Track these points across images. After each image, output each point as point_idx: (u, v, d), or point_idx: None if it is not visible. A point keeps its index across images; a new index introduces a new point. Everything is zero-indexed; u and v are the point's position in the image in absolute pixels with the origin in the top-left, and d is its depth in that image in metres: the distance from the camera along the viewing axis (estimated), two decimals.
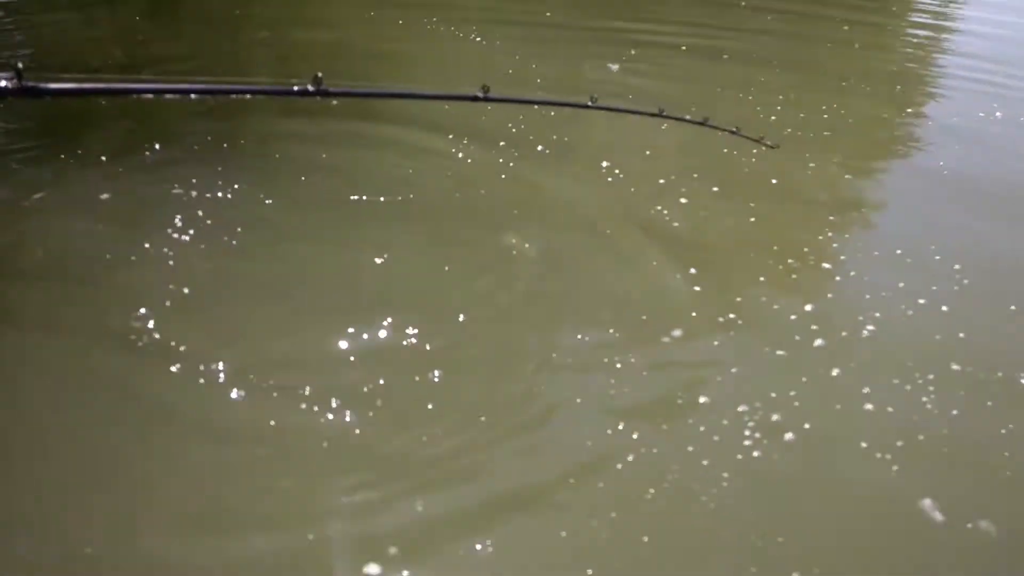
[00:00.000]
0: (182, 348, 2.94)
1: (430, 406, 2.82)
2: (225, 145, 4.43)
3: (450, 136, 4.58)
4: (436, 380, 2.91)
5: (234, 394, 2.78)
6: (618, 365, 3.06)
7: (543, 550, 2.41)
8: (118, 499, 2.49)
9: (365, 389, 2.85)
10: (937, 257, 3.74)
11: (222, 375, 2.85)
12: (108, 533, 2.38)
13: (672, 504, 2.54)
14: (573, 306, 3.40)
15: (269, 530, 2.42)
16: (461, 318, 3.20)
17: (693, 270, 3.55)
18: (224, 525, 2.44)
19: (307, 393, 2.81)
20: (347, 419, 2.75)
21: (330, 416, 2.75)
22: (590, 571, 2.33)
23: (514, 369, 3.08)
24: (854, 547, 2.48)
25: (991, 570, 2.43)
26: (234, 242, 3.54)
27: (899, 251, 3.77)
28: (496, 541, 2.40)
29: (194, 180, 3.93)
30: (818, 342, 3.18)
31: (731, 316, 3.30)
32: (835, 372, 3.05)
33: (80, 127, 4.45)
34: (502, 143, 4.54)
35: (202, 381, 2.83)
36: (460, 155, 4.45)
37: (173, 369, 2.87)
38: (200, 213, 3.68)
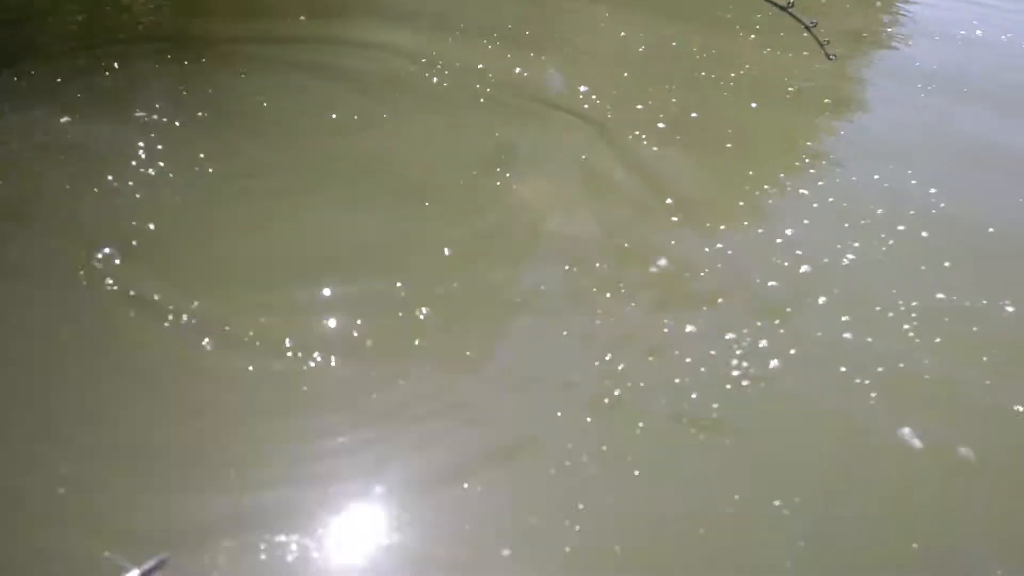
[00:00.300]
0: (151, 294, 2.85)
1: (416, 343, 2.80)
2: (186, 63, 4.23)
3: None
4: (421, 317, 2.88)
5: (206, 341, 2.72)
6: (607, 295, 3.04)
7: (533, 487, 2.43)
8: (83, 449, 2.45)
9: (347, 331, 2.81)
10: (913, 182, 3.72)
11: (194, 320, 2.78)
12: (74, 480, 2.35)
13: (661, 437, 2.57)
14: (555, 240, 3.36)
15: (245, 480, 2.41)
16: (446, 251, 3.15)
17: (669, 200, 3.50)
18: (200, 477, 2.42)
19: (284, 341, 2.75)
20: (329, 362, 2.72)
21: (311, 363, 2.71)
22: (581, 506, 2.36)
23: (497, 302, 3.06)
24: (835, 476, 2.52)
25: (969, 497, 2.49)
26: (201, 173, 3.41)
27: (876, 176, 3.73)
28: (485, 481, 2.42)
29: (157, 105, 3.75)
30: (804, 268, 3.18)
31: (717, 246, 3.29)
32: (822, 300, 3.06)
33: (29, 48, 4.22)
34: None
35: (172, 326, 2.76)
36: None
37: (137, 314, 2.79)
38: (163, 144, 3.53)
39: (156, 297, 2.84)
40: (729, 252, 3.26)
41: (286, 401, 2.60)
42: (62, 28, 4.43)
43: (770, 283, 3.12)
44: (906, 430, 2.61)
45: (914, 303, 3.04)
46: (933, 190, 3.63)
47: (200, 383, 2.63)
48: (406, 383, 2.68)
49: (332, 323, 2.84)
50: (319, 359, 2.71)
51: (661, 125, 3.96)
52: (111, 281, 2.89)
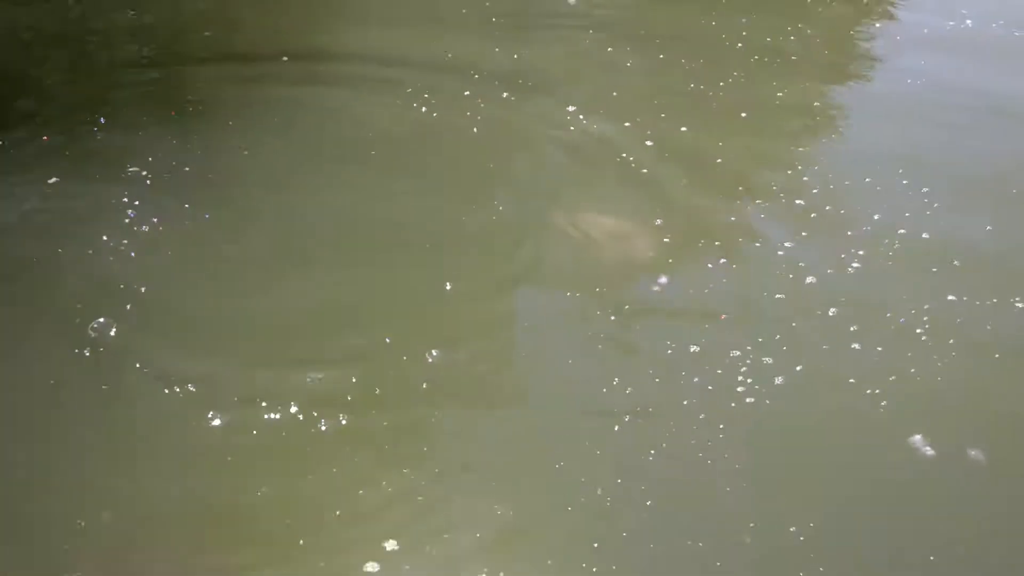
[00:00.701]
0: (148, 362, 2.79)
1: (424, 386, 2.78)
2: (173, 113, 4.23)
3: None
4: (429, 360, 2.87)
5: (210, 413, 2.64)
6: (612, 317, 3.02)
7: (548, 525, 2.41)
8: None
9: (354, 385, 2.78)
10: (905, 182, 3.67)
11: (192, 387, 2.71)
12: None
13: (672, 464, 2.54)
14: (551, 265, 3.34)
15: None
16: (448, 286, 3.14)
17: (659, 221, 3.47)
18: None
19: (288, 409, 2.67)
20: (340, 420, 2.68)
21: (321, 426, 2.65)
22: (596, 544, 2.33)
23: (499, 330, 3.05)
24: (848, 494, 2.49)
25: (982, 503, 2.45)
26: (192, 228, 3.39)
27: (868, 179, 3.69)
28: (501, 515, 2.40)
29: (150, 159, 3.74)
30: (808, 280, 3.15)
31: (720, 261, 3.25)
32: (829, 311, 3.02)
33: (14, 101, 4.23)
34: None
35: (172, 396, 2.68)
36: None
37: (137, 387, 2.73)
38: (153, 200, 3.52)
39: (153, 366, 2.78)
40: (733, 266, 3.23)
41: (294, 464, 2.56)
42: (48, 87, 4.44)
43: (776, 296, 3.09)
44: (917, 438, 2.58)
45: (925, 306, 3.01)
46: (925, 189, 3.61)
47: (207, 453, 2.56)
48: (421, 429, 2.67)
49: (336, 379, 2.76)
50: (331, 419, 2.64)
51: (649, 143, 3.94)
52: (108, 352, 2.83)
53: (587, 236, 3.45)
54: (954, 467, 2.52)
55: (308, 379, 2.76)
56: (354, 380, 2.76)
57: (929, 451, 2.55)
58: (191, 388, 2.70)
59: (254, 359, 2.86)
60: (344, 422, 2.63)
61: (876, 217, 3.43)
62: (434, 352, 2.85)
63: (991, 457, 2.53)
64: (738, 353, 2.87)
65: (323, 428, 2.61)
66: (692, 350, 2.90)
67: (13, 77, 4.51)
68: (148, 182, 3.61)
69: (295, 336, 2.95)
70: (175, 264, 3.20)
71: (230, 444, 2.57)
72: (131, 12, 5.03)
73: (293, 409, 2.64)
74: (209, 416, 2.61)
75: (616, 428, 2.63)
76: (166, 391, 2.69)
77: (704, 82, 4.42)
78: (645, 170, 3.77)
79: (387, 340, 2.90)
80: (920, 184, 3.63)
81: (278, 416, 2.63)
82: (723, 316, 3.03)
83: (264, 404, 2.66)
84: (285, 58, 4.62)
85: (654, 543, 2.34)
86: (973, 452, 2.54)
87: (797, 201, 3.57)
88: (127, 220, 3.36)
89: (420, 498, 2.45)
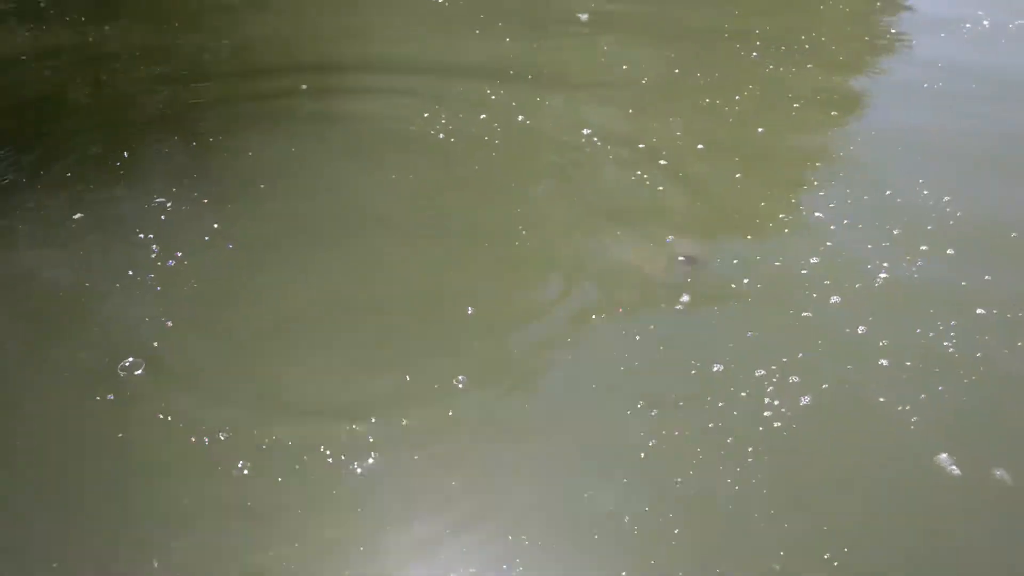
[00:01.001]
0: (176, 406, 2.77)
1: (450, 413, 2.79)
2: (193, 143, 4.28)
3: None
4: (459, 386, 2.88)
5: (240, 462, 2.62)
6: (637, 337, 3.03)
7: (575, 557, 2.41)
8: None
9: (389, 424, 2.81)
10: (925, 192, 3.66)
11: (222, 435, 2.69)
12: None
13: (700, 490, 2.54)
14: (575, 287, 3.34)
15: None
16: (469, 311, 3.15)
17: (671, 238, 3.48)
18: None
19: (326, 451, 2.67)
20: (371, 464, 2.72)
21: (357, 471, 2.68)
22: (624, 574, 2.34)
23: (522, 355, 3.05)
24: (880, 518, 2.47)
25: (1008, 525, 2.44)
26: (215, 256, 3.43)
27: (888, 192, 3.68)
28: (529, 547, 2.40)
29: (174, 189, 3.79)
30: (834, 299, 3.14)
31: (744, 280, 3.25)
32: (857, 328, 3.01)
33: (39, 139, 4.28)
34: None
35: (199, 443, 2.67)
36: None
37: (165, 434, 2.70)
38: (179, 227, 3.56)
39: (181, 412, 2.76)
40: (758, 286, 3.23)
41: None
42: (70, 118, 4.50)
43: (803, 314, 3.08)
44: (943, 456, 2.57)
45: (953, 322, 2.99)
46: (947, 198, 3.59)
47: (234, 502, 2.54)
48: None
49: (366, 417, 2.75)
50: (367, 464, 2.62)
51: (663, 162, 3.94)
52: (137, 395, 2.83)
53: (607, 257, 3.45)
54: (979, 487, 2.51)
55: (337, 420, 2.77)
56: (378, 420, 2.77)
57: (956, 470, 2.53)
58: (220, 436, 2.69)
59: (279, 402, 2.85)
60: (371, 461, 2.64)
61: (896, 232, 3.42)
62: (460, 378, 2.88)
63: (1016, 477, 2.51)
64: (763, 372, 2.86)
65: (353, 469, 2.62)
66: (715, 369, 2.89)
67: (35, 106, 4.58)
68: (170, 214, 3.65)
69: (322, 375, 2.95)
70: (199, 300, 3.22)
71: (257, 491, 2.56)
72: (150, 36, 5.12)
73: (325, 451, 2.65)
74: (239, 465, 2.61)
75: (642, 455, 2.63)
76: (192, 440, 2.68)
77: (720, 96, 4.43)
78: (661, 188, 3.77)
79: (413, 373, 2.92)
80: (940, 193, 3.62)
81: (306, 459, 2.64)
82: (749, 334, 3.01)
83: (291, 445, 2.67)
84: (304, 85, 4.67)
85: (683, 573, 2.34)
86: (999, 472, 2.52)
87: (817, 214, 3.57)
88: (152, 255, 3.40)
89: (449, 538, 2.47)
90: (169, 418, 2.74)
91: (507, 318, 3.19)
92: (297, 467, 2.60)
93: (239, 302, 3.24)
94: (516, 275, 3.40)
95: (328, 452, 2.64)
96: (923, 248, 3.33)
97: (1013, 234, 3.42)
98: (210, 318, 3.15)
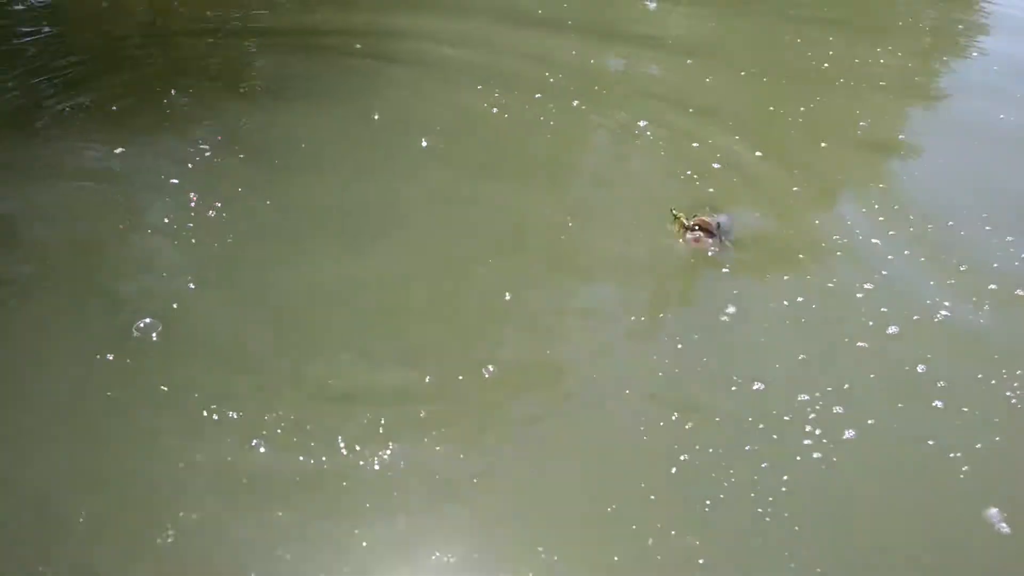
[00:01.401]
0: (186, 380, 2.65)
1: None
2: (241, 88, 4.20)
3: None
4: (486, 376, 2.77)
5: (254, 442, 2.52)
6: (679, 345, 2.90)
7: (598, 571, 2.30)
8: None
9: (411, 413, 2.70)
10: (988, 228, 3.43)
11: (233, 414, 2.57)
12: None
13: (729, 516, 2.41)
14: (614, 289, 3.22)
15: None
16: (507, 296, 3.03)
17: (731, 250, 3.32)
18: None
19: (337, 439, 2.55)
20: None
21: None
22: None
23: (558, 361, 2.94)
24: (912, 568, 2.33)
25: None
26: (253, 210, 3.33)
27: (951, 223, 3.45)
28: (545, 560, 2.29)
29: (219, 138, 3.69)
30: (891, 329, 2.96)
31: (798, 300, 3.08)
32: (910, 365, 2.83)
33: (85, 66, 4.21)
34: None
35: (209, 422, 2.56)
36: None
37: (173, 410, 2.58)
38: (219, 176, 3.47)
39: (189, 384, 2.64)
40: (813, 306, 3.06)
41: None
42: (119, 55, 4.42)
43: (858, 343, 2.92)
44: (993, 511, 2.41)
45: (1018, 371, 2.81)
46: (1010, 238, 3.38)
47: (248, 488, 2.43)
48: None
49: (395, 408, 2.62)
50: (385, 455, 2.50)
51: (716, 165, 3.78)
52: (148, 361, 2.72)
53: (652, 259, 3.32)
54: None
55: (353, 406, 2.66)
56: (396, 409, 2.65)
57: (1005, 528, 2.38)
58: (229, 415, 2.57)
59: (303, 380, 2.73)
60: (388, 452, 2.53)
61: (962, 268, 3.24)
62: (490, 368, 2.77)
63: None
64: (807, 398, 2.72)
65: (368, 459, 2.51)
66: (756, 388, 2.76)
67: (81, 42, 4.51)
68: (212, 163, 3.56)
69: (350, 354, 2.84)
70: (229, 261, 3.12)
71: (273, 473, 2.46)
72: None
73: (340, 442, 2.54)
74: (253, 444, 2.51)
75: (673, 471, 2.50)
76: (204, 413, 2.57)
77: (785, 106, 4.25)
78: (711, 189, 3.62)
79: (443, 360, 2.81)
80: (1004, 232, 3.41)
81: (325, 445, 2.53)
82: (800, 356, 2.86)
83: (310, 429, 2.56)
84: (358, 44, 4.55)
85: None
86: None
87: (874, 241, 3.38)
88: (191, 204, 3.31)
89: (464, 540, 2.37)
90: (173, 390, 2.64)
91: (544, 311, 3.07)
92: (309, 450, 2.50)
93: (269, 270, 3.12)
94: (559, 270, 3.28)
95: (342, 440, 2.53)
96: (991, 287, 3.14)
97: None
98: (237, 283, 3.05)
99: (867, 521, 2.42)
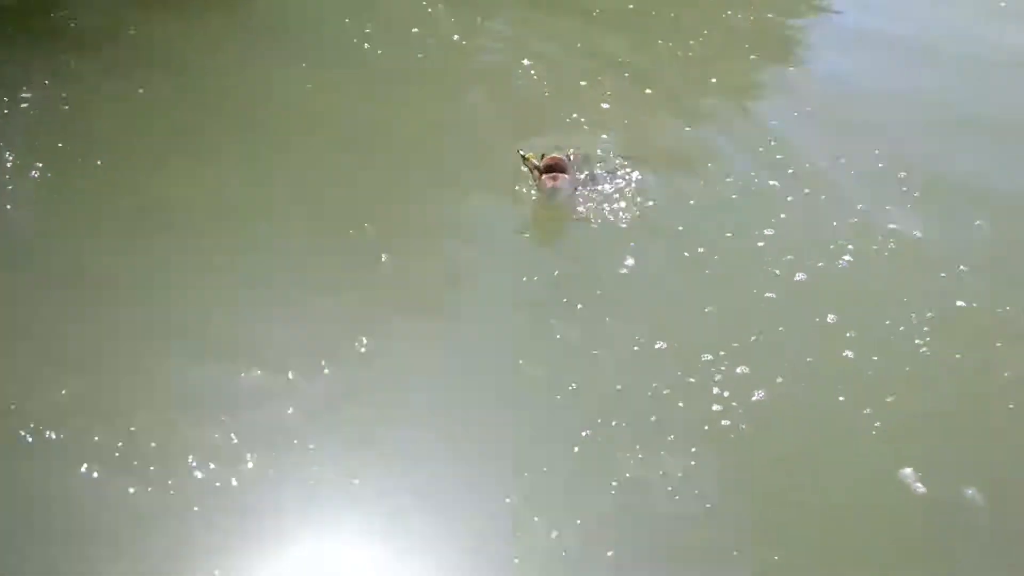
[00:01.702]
0: None
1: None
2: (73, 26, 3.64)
3: None
4: None
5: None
6: (579, 305, 2.67)
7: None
8: None
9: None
10: (880, 165, 3.23)
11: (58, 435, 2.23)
12: None
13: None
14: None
15: None
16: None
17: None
18: None
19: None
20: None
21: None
22: None
23: None
24: (830, 535, 2.19)
25: (975, 546, 2.16)
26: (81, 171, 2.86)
27: (842, 160, 3.24)
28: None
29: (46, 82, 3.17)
30: (799, 276, 2.78)
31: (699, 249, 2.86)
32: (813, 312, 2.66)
33: None
34: None
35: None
36: None
37: None
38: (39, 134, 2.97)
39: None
40: (715, 257, 2.85)
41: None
42: None
43: (766, 294, 2.73)
44: (907, 470, 2.28)
45: (928, 315, 2.64)
46: (902, 174, 3.19)
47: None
48: None
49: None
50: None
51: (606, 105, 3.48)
52: None
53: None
54: (948, 507, 2.22)
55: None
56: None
57: (920, 488, 2.25)
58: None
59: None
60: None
61: (860, 207, 3.04)
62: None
63: (991, 498, 2.22)
64: (710, 357, 2.52)
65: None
66: (659, 347, 2.55)
67: None
68: (31, 116, 3.05)
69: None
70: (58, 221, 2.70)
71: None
72: None
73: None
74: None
75: (575, 450, 2.28)
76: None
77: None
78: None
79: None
80: (898, 167, 3.22)
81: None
82: (707, 309, 2.66)
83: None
84: None
85: None
86: (970, 491, 2.25)
87: (771, 182, 3.15)
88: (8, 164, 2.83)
89: None
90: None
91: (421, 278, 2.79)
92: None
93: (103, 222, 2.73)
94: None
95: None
96: (891, 227, 2.96)
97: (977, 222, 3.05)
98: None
99: (781, 492, 2.26)
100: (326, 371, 2.43)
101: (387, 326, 2.58)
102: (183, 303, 2.59)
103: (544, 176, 2.97)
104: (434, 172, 3.16)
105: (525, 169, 3.05)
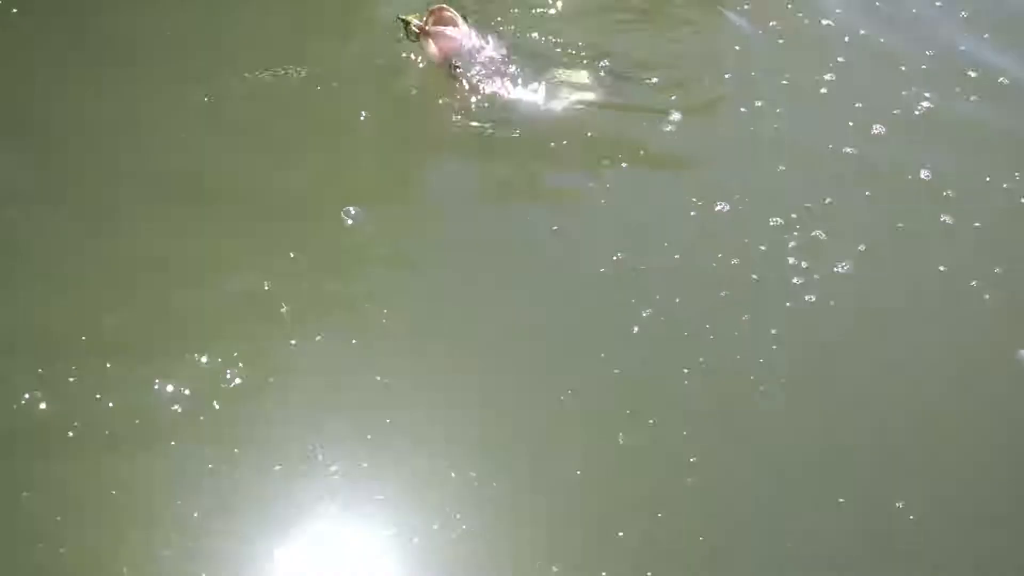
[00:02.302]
0: None
1: None
2: None
3: None
4: None
5: None
6: (624, 165, 2.23)
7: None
8: None
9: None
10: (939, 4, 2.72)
11: None
12: None
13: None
14: None
15: None
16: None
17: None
18: None
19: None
20: None
21: None
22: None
23: None
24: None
25: None
26: None
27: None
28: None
29: None
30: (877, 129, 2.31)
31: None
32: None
33: None
34: None
35: None
36: None
37: None
38: None
39: None
40: (777, 110, 2.37)
41: None
42: None
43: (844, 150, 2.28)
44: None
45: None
46: (964, 14, 2.73)
47: None
48: None
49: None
50: None
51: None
52: None
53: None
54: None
55: None
56: None
57: None
58: None
59: None
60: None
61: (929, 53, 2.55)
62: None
63: None
64: (780, 222, 2.10)
65: None
66: (720, 209, 2.13)
67: None
68: None
69: None
70: None
71: None
72: None
73: None
74: None
75: (635, 330, 1.88)
76: None
77: None
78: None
79: None
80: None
81: None
82: (780, 168, 2.23)
83: None
84: None
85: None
86: None
87: (824, 22, 2.63)
88: None
89: None
90: None
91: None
92: None
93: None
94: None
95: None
96: (970, 74, 2.49)
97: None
98: None
99: (879, 377, 1.91)
100: None
101: None
102: None
103: (431, 40, 2.33)
104: None
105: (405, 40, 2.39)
